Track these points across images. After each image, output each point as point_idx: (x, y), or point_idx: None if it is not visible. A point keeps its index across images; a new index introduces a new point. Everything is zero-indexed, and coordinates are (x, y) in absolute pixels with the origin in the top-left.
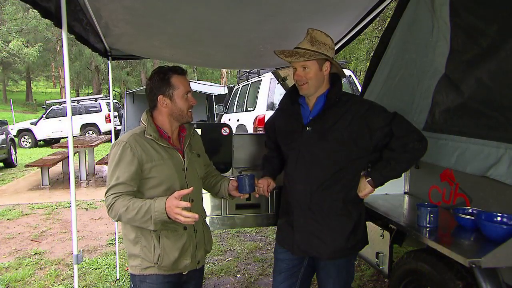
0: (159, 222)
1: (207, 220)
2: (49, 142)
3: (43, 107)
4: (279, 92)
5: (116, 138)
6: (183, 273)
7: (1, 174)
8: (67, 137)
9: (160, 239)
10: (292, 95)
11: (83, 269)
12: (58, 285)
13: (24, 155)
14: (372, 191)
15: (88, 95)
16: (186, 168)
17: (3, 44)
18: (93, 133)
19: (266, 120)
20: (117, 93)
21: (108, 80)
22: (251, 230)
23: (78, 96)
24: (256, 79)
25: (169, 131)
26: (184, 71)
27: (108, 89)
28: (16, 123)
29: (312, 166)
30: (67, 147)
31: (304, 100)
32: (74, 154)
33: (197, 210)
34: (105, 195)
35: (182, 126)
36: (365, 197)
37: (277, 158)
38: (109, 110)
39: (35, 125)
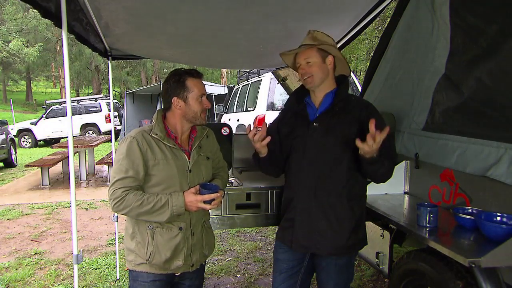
0: (176, 215)
1: None
2: (49, 142)
3: (43, 107)
4: (279, 92)
5: (116, 138)
6: (176, 274)
7: (1, 174)
8: (67, 137)
9: (154, 236)
10: (298, 95)
11: (83, 269)
12: (58, 285)
13: (24, 155)
14: (368, 152)
15: (88, 95)
16: (190, 169)
17: (3, 44)
18: (93, 133)
19: (265, 120)
20: (117, 93)
21: (108, 80)
22: (251, 230)
23: (78, 96)
24: (256, 79)
25: (178, 132)
26: (200, 74)
27: (108, 89)
28: (16, 123)
29: (317, 161)
30: (67, 147)
31: (310, 99)
32: (74, 154)
33: (199, 212)
34: (111, 186)
35: (193, 127)
36: (363, 148)
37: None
38: (109, 110)
39: (35, 125)
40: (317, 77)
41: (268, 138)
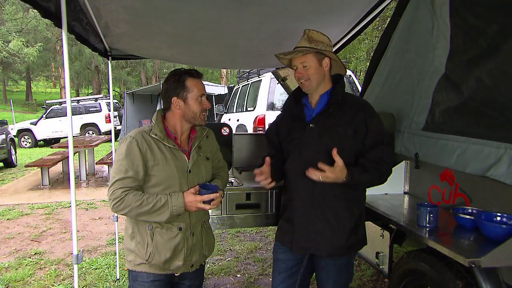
0: (175, 215)
1: None
2: (49, 142)
3: (43, 107)
4: (279, 92)
5: (116, 138)
6: (175, 274)
7: (1, 174)
8: (67, 137)
9: (153, 237)
10: (296, 96)
11: (83, 269)
12: (58, 285)
13: (24, 155)
14: (336, 180)
15: (88, 95)
16: (189, 170)
17: (3, 44)
18: (93, 133)
19: (265, 120)
20: (117, 93)
21: (108, 80)
22: (251, 230)
23: (78, 96)
24: (256, 79)
25: (178, 133)
26: (200, 74)
27: (108, 89)
28: (16, 123)
29: (314, 162)
30: (67, 147)
31: (307, 100)
32: (74, 154)
33: (199, 213)
34: (111, 187)
35: (193, 127)
36: (322, 178)
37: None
38: (109, 110)
39: (35, 125)
40: (314, 80)
41: (273, 183)
